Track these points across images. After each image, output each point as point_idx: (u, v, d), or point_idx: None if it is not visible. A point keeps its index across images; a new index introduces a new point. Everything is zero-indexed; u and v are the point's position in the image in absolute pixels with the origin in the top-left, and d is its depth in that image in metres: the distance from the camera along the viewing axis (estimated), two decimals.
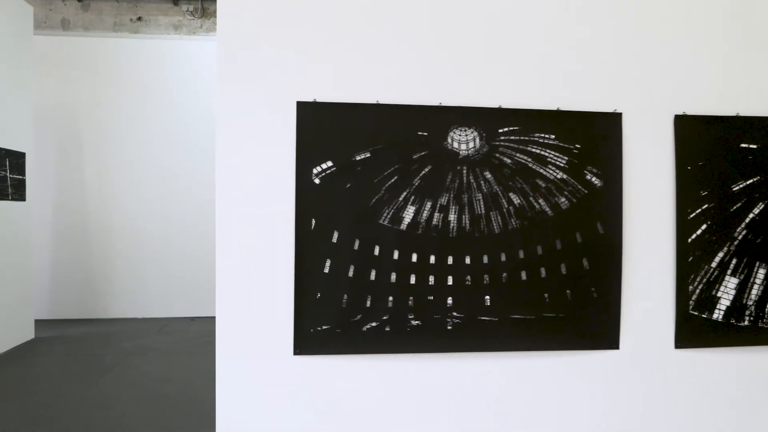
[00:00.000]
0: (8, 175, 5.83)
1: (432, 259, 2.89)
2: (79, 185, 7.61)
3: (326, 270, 2.84)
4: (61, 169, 7.60)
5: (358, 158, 2.85)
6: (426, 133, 2.89)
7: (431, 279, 2.89)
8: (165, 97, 7.69)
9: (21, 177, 6.10)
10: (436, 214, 2.89)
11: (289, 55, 2.83)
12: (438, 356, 2.92)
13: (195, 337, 6.46)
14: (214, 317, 7.66)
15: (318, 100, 2.83)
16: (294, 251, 2.82)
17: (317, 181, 2.83)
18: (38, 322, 6.71)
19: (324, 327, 2.84)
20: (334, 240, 2.84)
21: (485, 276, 2.92)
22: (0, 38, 5.77)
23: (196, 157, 7.71)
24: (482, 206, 2.92)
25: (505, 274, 2.93)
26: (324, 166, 2.83)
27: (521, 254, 2.94)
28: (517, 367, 2.96)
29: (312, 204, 2.82)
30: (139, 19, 7.59)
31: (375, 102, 2.85)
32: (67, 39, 7.58)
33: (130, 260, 7.61)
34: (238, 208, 2.82)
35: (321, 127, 2.83)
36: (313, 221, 2.82)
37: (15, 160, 5.98)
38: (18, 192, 6.03)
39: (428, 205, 2.89)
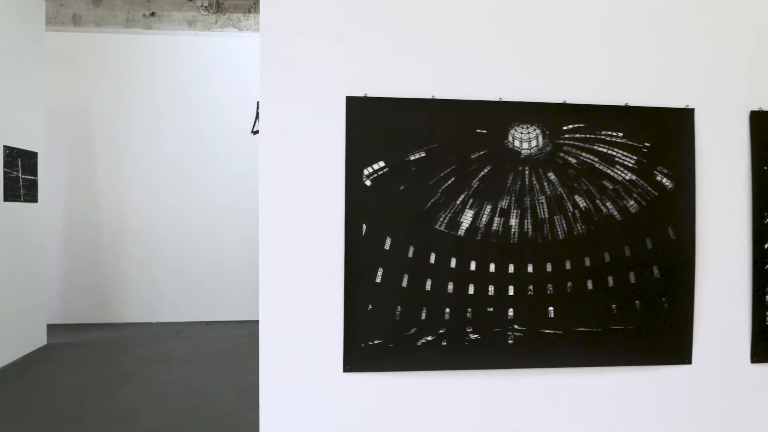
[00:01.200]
0: (20, 175, 5.62)
1: (492, 267, 2.67)
2: (91, 185, 7.39)
3: (378, 279, 2.61)
4: (72, 169, 7.38)
5: (412, 158, 2.63)
6: (485, 131, 2.66)
7: (491, 289, 2.67)
8: (178, 95, 7.47)
9: (33, 177, 5.88)
10: (497, 219, 2.67)
11: (337, 48, 2.60)
12: (498, 372, 2.70)
13: (213, 344, 6.24)
14: (230, 321, 7.46)
15: (369, 95, 2.60)
16: (344, 259, 2.59)
17: (368, 182, 2.60)
18: (49, 327, 6.48)
19: (376, 341, 2.62)
20: (387, 247, 2.62)
21: (549, 285, 2.70)
22: (12, 34, 5.55)
23: (210, 157, 7.49)
24: (545, 210, 2.70)
25: (570, 284, 2.71)
26: (376, 166, 2.61)
27: (587, 262, 2.72)
28: (583, 384, 2.74)
29: (363, 208, 2.60)
30: (152, 14, 7.37)
31: (430, 97, 2.63)
32: (79, 35, 7.35)
33: (144, 263, 7.39)
34: (284, 212, 2.59)
35: (372, 124, 2.61)
36: (364, 226, 2.60)
37: (27, 160, 5.76)
38: (30, 193, 5.81)
39: (488, 208, 2.67)
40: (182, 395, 4.51)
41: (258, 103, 7.51)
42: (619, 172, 2.73)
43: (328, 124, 2.60)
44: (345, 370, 2.61)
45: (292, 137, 2.60)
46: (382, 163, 2.61)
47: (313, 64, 2.59)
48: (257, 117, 7.46)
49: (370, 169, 2.61)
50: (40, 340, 6.03)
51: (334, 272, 2.60)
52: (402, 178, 2.62)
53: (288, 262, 2.60)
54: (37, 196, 5.95)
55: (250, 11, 7.52)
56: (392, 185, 2.62)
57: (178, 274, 7.40)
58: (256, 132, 7.51)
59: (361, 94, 2.60)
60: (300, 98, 2.59)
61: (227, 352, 5.86)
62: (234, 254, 7.46)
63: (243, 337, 6.57)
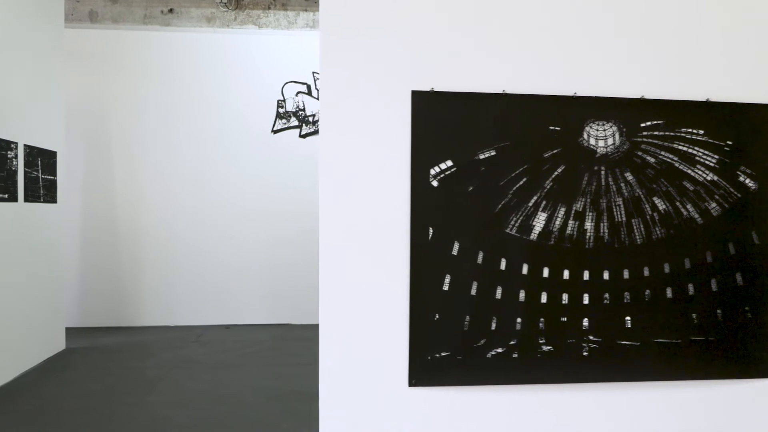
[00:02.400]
0: (40, 175, 5.44)
1: (566, 274, 2.50)
2: (107, 186, 7.21)
3: (445, 287, 2.44)
4: (89, 169, 7.20)
5: (481, 157, 2.45)
6: (559, 128, 2.49)
7: (565, 297, 2.50)
8: (196, 94, 7.28)
9: (52, 177, 5.71)
10: (571, 222, 2.50)
11: (401, 40, 2.43)
12: (572, 387, 2.52)
13: (235, 348, 6.07)
14: (250, 325, 7.27)
15: (436, 89, 2.43)
16: (409, 265, 2.42)
17: (435, 183, 2.43)
18: (67, 331, 6.30)
19: (443, 354, 2.44)
20: (455, 252, 2.44)
21: (626, 294, 2.53)
22: (30, 30, 5.37)
23: (229, 158, 7.30)
24: (623, 213, 2.52)
25: (648, 292, 2.53)
26: (443, 166, 2.44)
27: (666, 268, 2.54)
28: (662, 398, 2.56)
29: (429, 210, 2.43)
30: (171, 11, 7.20)
31: (501, 92, 2.46)
32: (95, 32, 7.18)
33: (161, 265, 7.21)
34: (345, 215, 2.42)
35: (440, 120, 2.44)
36: (431, 230, 2.43)
37: (46, 159, 5.59)
38: (49, 193, 5.64)
39: (561, 211, 2.49)
40: (212, 404, 4.33)
41: (278, 102, 7.35)
42: (700, 173, 2.55)
43: (392, 121, 2.42)
44: (410, 384, 2.44)
45: (354, 136, 2.42)
46: (449, 162, 2.44)
47: (377, 58, 2.42)
48: (277, 116, 7.29)
49: (437, 169, 2.43)
50: (59, 344, 5.86)
51: (399, 279, 2.42)
52: (471, 178, 2.45)
53: (350, 268, 2.42)
54: (56, 196, 5.78)
55: (269, 8, 7.35)
56: (460, 186, 2.44)
57: (196, 276, 7.23)
58: (276, 132, 7.34)
59: (427, 89, 2.43)
60: (363, 95, 2.42)
61: (252, 358, 5.69)
62: (253, 256, 7.28)
63: (265, 341, 6.39)
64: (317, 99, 7.31)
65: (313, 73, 7.32)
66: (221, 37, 7.33)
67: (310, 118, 7.28)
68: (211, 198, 7.27)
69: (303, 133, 7.30)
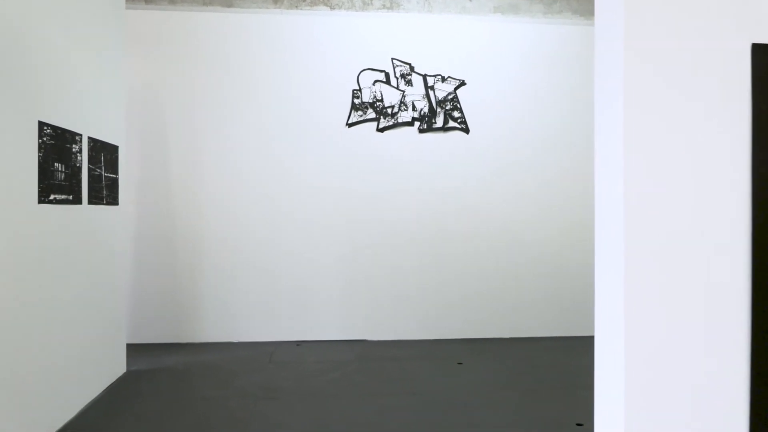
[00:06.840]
0: (103, 173, 4.70)
1: None
2: (165, 184, 6.47)
3: None
4: (145, 166, 6.46)
5: None
6: None
7: None
8: (262, 82, 6.54)
9: (114, 176, 4.97)
10: None
11: None
12: None
13: (320, 372, 5.31)
14: (322, 341, 6.48)
15: None
16: (750, 296, 1.66)
17: None
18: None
19: None
20: None
21: None
22: (92, 12, 4.63)
23: (298, 154, 6.55)
24: None
25: None
26: None
27: None
28: None
29: None
30: None
31: None
32: (151, 13, 6.45)
33: (223, 276, 6.46)
34: (648, 222, 1.65)
35: None
36: None
37: (109, 154, 4.85)
38: (111, 194, 4.90)
39: None
40: None
41: (353, 91, 6.59)
42: None
43: (720, 91, 1.66)
44: None
45: (662, 114, 1.66)
46: None
47: (703, 9, 1.66)
48: (353, 108, 6.54)
49: None
50: (120, 367, 5.12)
51: (734, 315, 1.65)
52: None
53: (655, 295, 1.66)
54: (117, 197, 5.04)
55: None
56: None
57: (263, 287, 6.47)
58: (351, 125, 6.59)
59: None
60: (675, 56, 1.66)
61: (344, 384, 4.93)
62: (326, 265, 6.53)
63: (349, 362, 5.63)
64: (396, 88, 6.56)
65: (392, 59, 6.57)
66: (289, 19, 6.58)
67: (389, 110, 6.53)
68: (278, 199, 6.52)
69: (380, 126, 6.54)
